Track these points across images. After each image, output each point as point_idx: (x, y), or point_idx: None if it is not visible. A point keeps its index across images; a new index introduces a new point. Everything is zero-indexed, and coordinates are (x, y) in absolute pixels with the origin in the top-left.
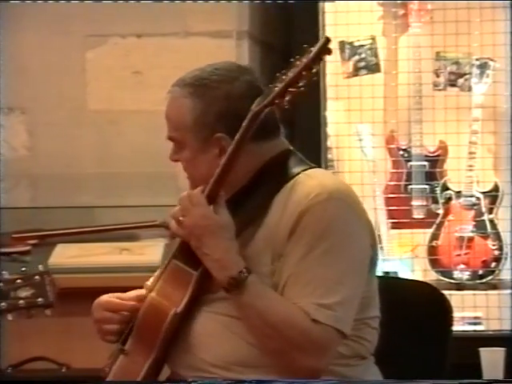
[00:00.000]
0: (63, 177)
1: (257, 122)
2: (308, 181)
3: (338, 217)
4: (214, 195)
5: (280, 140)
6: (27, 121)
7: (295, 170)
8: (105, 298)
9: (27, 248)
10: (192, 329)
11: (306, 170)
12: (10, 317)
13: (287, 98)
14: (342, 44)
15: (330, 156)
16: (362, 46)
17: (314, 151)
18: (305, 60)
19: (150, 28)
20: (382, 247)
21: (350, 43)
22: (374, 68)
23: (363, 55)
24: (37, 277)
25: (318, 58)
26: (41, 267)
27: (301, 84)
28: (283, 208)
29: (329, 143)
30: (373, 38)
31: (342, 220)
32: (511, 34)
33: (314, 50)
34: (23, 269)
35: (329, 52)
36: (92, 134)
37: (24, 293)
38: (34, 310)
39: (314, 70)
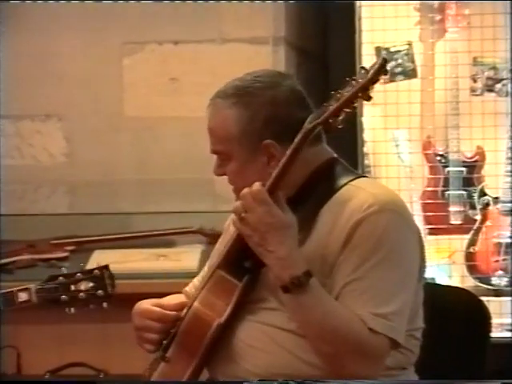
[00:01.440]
0: (101, 183)
1: (309, 138)
2: (359, 193)
3: (392, 228)
4: (274, 191)
5: (324, 147)
6: (65, 128)
7: (342, 180)
8: (146, 305)
9: (65, 254)
10: (236, 338)
11: (352, 180)
12: (71, 310)
13: (341, 118)
14: (379, 50)
15: (366, 162)
16: (399, 51)
17: (351, 157)
18: (361, 81)
19: (187, 34)
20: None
21: (387, 49)
22: (410, 73)
23: (400, 61)
24: (96, 271)
25: (375, 79)
26: (98, 262)
27: (355, 105)
28: (333, 220)
29: (365, 149)
30: (409, 44)
31: (395, 231)
32: None
33: (372, 71)
34: (81, 264)
35: (385, 72)
36: (129, 141)
37: (84, 286)
38: (93, 303)
39: (370, 92)
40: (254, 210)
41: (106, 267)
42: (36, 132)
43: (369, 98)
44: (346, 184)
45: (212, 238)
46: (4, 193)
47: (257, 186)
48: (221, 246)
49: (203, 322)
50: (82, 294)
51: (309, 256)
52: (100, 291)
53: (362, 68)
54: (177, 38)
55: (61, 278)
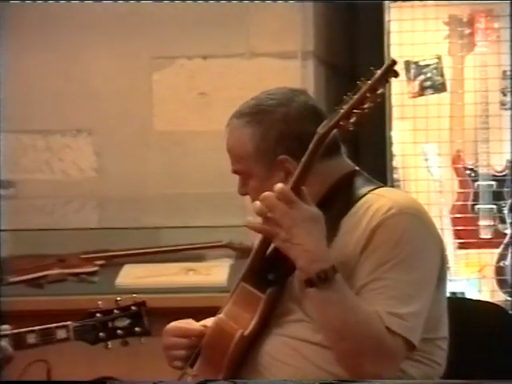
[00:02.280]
0: (130, 198)
1: (323, 144)
2: (379, 200)
3: (411, 230)
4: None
5: (344, 159)
6: (94, 142)
7: (363, 190)
8: (173, 324)
9: (95, 269)
10: (261, 351)
11: (374, 189)
12: (109, 345)
13: (352, 120)
14: (408, 64)
15: (395, 176)
16: (428, 65)
17: (380, 171)
18: (369, 82)
19: (216, 49)
20: (449, 267)
21: (416, 63)
22: (439, 87)
23: (429, 74)
24: (133, 307)
25: (383, 79)
26: (135, 296)
27: (366, 106)
28: (353, 229)
29: (395, 163)
30: (438, 58)
31: (414, 233)
32: None
33: (379, 71)
34: (118, 298)
35: (395, 74)
36: (158, 155)
37: (121, 323)
38: (130, 339)
39: (380, 92)
40: (277, 207)
41: (143, 303)
42: (66, 146)
43: (377, 99)
44: (367, 193)
45: (241, 252)
46: (34, 207)
47: (279, 185)
48: None
49: (226, 333)
50: (119, 331)
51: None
52: (138, 328)
53: (372, 70)
54: (206, 53)
55: (98, 314)
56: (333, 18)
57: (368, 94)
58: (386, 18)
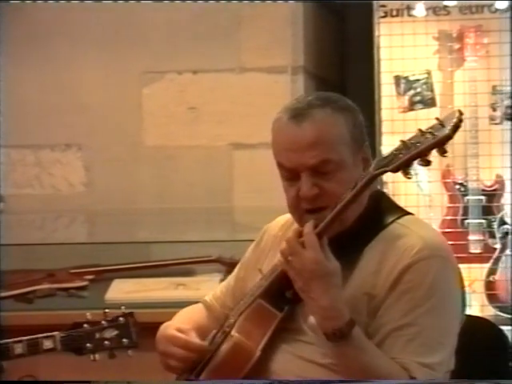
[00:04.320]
0: (120, 212)
1: (372, 183)
2: (407, 235)
3: (442, 275)
4: (323, 235)
5: None
6: (84, 157)
7: (388, 217)
8: (171, 330)
9: (84, 283)
10: (269, 368)
11: (398, 217)
12: (96, 357)
13: (410, 169)
14: (398, 78)
15: (386, 190)
16: (418, 80)
17: None
18: (438, 135)
19: (206, 64)
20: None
21: (406, 77)
22: (429, 102)
23: (419, 89)
24: (121, 318)
25: (453, 135)
26: (123, 308)
27: (429, 158)
28: (379, 260)
29: (384, 178)
30: (428, 73)
31: (444, 278)
32: None
33: (450, 127)
34: (106, 310)
35: (460, 125)
36: (148, 170)
37: (109, 334)
38: (118, 351)
39: (445, 146)
40: (299, 255)
41: (131, 314)
42: (56, 161)
43: (444, 154)
44: (392, 222)
45: (231, 266)
46: (24, 222)
47: (308, 227)
48: (253, 259)
49: (245, 353)
50: (106, 342)
51: (353, 294)
52: (125, 340)
53: (437, 119)
54: (196, 68)
55: (85, 325)
56: (323, 33)
57: (435, 148)
58: (376, 33)
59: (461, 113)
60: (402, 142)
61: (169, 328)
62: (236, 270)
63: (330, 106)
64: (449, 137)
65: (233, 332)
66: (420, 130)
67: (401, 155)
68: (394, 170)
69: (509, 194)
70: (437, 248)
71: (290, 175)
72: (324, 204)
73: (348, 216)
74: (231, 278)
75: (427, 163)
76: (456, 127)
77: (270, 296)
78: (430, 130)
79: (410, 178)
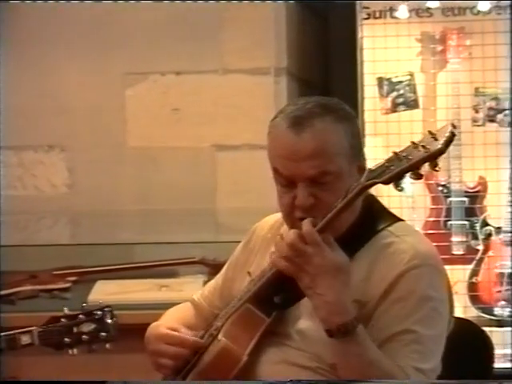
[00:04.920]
0: (103, 213)
1: (362, 194)
2: (398, 243)
3: (434, 284)
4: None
5: None
6: (67, 158)
7: (379, 224)
8: (162, 329)
9: (67, 285)
10: (257, 371)
11: (389, 225)
12: (74, 351)
13: (401, 182)
14: (381, 80)
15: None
16: (401, 82)
17: None
18: (431, 149)
19: (189, 65)
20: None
21: (389, 79)
22: (412, 104)
23: (401, 91)
24: (99, 312)
25: (446, 149)
26: (101, 302)
27: (422, 172)
28: (370, 267)
29: None
30: (411, 74)
31: (435, 287)
32: None
33: (443, 140)
34: (84, 305)
35: (453, 139)
36: (132, 171)
37: (86, 328)
38: (96, 345)
39: (438, 160)
40: (304, 253)
41: (109, 308)
42: (39, 162)
43: (436, 168)
44: (382, 229)
45: (214, 268)
46: (6, 223)
47: (307, 225)
48: (241, 259)
49: (232, 357)
50: (84, 336)
51: None
52: (103, 333)
53: (430, 132)
54: (179, 69)
55: (63, 319)
56: (306, 34)
57: (427, 162)
58: (359, 35)
59: (454, 126)
60: (395, 153)
61: (160, 327)
62: (224, 269)
63: (331, 116)
64: (441, 151)
65: (220, 336)
66: (413, 143)
67: (392, 167)
68: (386, 182)
69: (491, 195)
70: (427, 257)
71: (286, 182)
72: (318, 213)
73: (341, 224)
74: (219, 277)
75: (419, 177)
76: (449, 141)
77: (259, 301)
78: (422, 144)
79: (400, 191)
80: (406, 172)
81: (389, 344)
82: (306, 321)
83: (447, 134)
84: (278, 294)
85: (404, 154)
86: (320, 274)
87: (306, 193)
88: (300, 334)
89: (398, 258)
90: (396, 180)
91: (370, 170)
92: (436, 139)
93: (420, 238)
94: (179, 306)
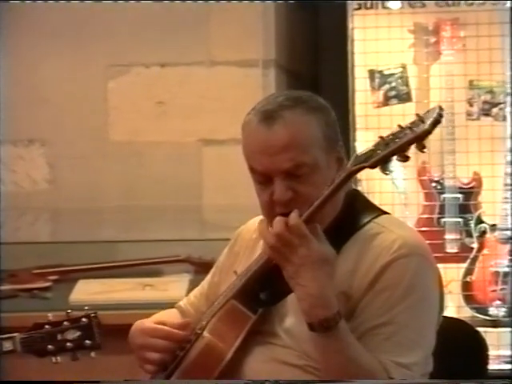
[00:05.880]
0: (85, 210)
1: (350, 180)
2: (385, 234)
3: (421, 274)
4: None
5: None
6: (48, 153)
7: (365, 216)
8: (149, 323)
9: (48, 284)
10: (243, 369)
11: (375, 217)
12: (58, 359)
13: (388, 165)
14: (372, 73)
15: (360, 188)
16: (393, 74)
17: None
18: (418, 131)
19: (174, 57)
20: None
21: (380, 72)
22: (404, 97)
23: (394, 84)
24: (84, 319)
25: (432, 130)
26: (87, 308)
27: (408, 154)
28: (356, 259)
29: (358, 175)
30: (403, 67)
31: (423, 277)
32: None
33: (430, 121)
34: (69, 311)
35: (440, 121)
36: (114, 166)
37: (71, 335)
38: (80, 353)
39: (424, 142)
40: (289, 243)
41: (95, 315)
42: (18, 157)
43: (423, 149)
44: (369, 222)
45: (200, 266)
46: None
47: (294, 217)
48: (227, 263)
49: (216, 354)
50: (68, 343)
51: None
52: (88, 341)
53: (417, 115)
54: (164, 61)
55: (46, 326)
56: (295, 25)
57: (414, 143)
58: (350, 26)
59: (441, 108)
60: (381, 137)
61: (146, 322)
62: (210, 274)
63: (301, 107)
64: (428, 132)
65: (205, 333)
66: (399, 126)
67: (379, 151)
68: (373, 166)
69: (486, 191)
70: (416, 246)
71: (263, 179)
72: (298, 207)
73: (324, 215)
74: (205, 282)
75: (406, 159)
76: (435, 122)
77: (244, 297)
78: (409, 126)
79: (387, 175)
80: (393, 154)
81: (369, 337)
82: (292, 318)
83: (434, 115)
84: (263, 291)
85: (391, 137)
86: (304, 264)
87: (283, 187)
88: (287, 332)
89: (385, 248)
90: (383, 163)
91: (357, 156)
92: (423, 121)
93: (408, 229)
94: (164, 311)
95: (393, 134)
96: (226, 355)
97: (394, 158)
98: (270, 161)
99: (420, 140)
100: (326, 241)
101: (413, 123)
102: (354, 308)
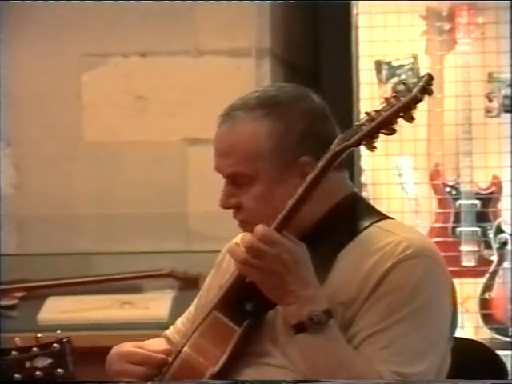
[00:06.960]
0: (55, 219)
1: (336, 162)
2: (388, 237)
3: (428, 278)
4: (282, 229)
5: (345, 176)
6: (14, 154)
7: (365, 220)
8: (127, 348)
9: (14, 302)
10: None
11: (376, 221)
12: None
13: (376, 141)
14: (379, 64)
15: (365, 194)
16: (402, 66)
17: None
18: (404, 99)
19: (156, 46)
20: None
21: (388, 63)
22: None
23: (403, 76)
24: (55, 344)
25: (420, 97)
26: (59, 332)
27: (395, 127)
28: (355, 265)
29: (363, 179)
30: (414, 57)
31: (431, 282)
32: None
33: (417, 88)
34: (39, 335)
35: (430, 91)
36: (89, 170)
37: (41, 362)
38: (52, 382)
39: (413, 112)
40: (265, 254)
41: (68, 340)
42: None
43: (411, 120)
44: (369, 226)
45: (185, 282)
46: None
47: (261, 228)
48: (214, 283)
49: (194, 370)
50: (38, 372)
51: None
52: (60, 370)
53: (404, 84)
54: (144, 50)
55: (14, 352)
56: (292, 10)
57: (401, 114)
58: (354, 11)
59: (430, 76)
60: (366, 113)
61: (124, 346)
62: (197, 297)
63: (262, 111)
64: (415, 99)
65: (184, 348)
66: (385, 98)
67: (364, 127)
68: (357, 143)
69: (506, 197)
70: (423, 248)
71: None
72: (244, 218)
73: (310, 211)
74: (192, 307)
75: (392, 132)
76: (423, 89)
77: (227, 308)
78: (394, 95)
79: (373, 151)
80: (379, 128)
81: (365, 346)
82: (284, 334)
83: (421, 83)
84: (249, 300)
85: (376, 111)
86: (288, 269)
87: (225, 192)
88: (281, 350)
89: (389, 250)
90: (368, 139)
91: (341, 136)
92: (410, 91)
93: (416, 232)
94: (150, 341)
95: (378, 108)
96: (205, 371)
97: (381, 133)
98: (217, 162)
99: (408, 109)
100: (293, 237)
101: (399, 92)
102: (354, 317)
